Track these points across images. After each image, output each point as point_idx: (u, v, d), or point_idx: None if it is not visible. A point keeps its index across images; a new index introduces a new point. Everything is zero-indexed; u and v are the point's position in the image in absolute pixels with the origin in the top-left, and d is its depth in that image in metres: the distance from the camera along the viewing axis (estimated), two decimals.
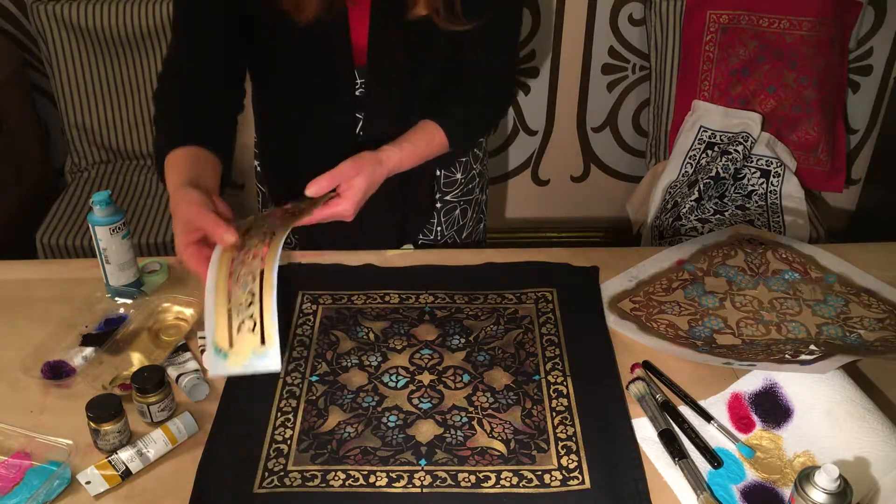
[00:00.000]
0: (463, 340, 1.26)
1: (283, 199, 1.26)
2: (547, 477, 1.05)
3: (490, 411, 1.14)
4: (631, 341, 1.27)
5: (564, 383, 1.19)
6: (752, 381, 1.15)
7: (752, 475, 1.06)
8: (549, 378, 1.20)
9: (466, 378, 1.20)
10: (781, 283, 1.39)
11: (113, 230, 1.29)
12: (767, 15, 2.36)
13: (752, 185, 2.40)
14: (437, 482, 1.04)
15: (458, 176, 1.52)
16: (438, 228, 1.55)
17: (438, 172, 1.50)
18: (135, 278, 1.35)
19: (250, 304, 0.98)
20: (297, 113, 1.39)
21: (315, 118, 1.38)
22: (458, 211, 1.56)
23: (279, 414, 1.14)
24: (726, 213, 2.33)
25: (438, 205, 1.53)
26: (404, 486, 1.04)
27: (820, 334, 1.27)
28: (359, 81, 1.33)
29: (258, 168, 1.59)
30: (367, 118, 1.36)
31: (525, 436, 1.11)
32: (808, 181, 2.49)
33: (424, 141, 1.32)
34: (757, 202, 2.37)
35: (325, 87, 1.34)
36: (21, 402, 1.16)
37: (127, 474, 1.04)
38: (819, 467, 0.92)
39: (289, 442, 1.10)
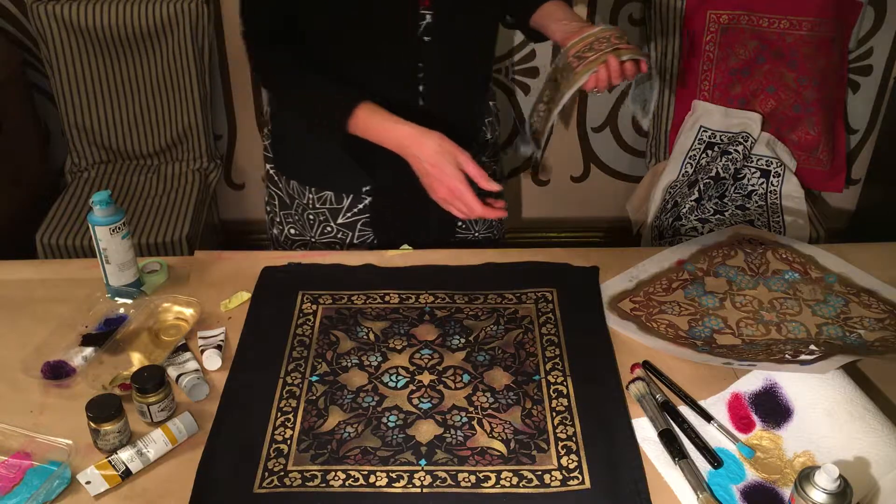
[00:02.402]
0: (463, 340, 1.26)
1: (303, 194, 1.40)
2: (547, 477, 1.05)
3: (490, 411, 1.14)
4: (631, 341, 1.27)
5: (564, 383, 1.19)
6: (752, 381, 1.15)
7: (752, 475, 1.06)
8: (549, 378, 1.20)
9: (466, 378, 1.20)
10: (781, 283, 1.39)
11: (113, 230, 1.29)
12: (767, 15, 2.36)
13: (752, 185, 2.40)
14: (437, 482, 1.04)
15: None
16: None
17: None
18: (135, 278, 1.35)
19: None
20: (356, 66, 1.36)
21: (374, 71, 1.37)
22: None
23: (279, 414, 1.14)
24: (726, 213, 2.33)
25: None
26: (404, 486, 1.04)
27: (820, 334, 1.27)
28: (422, 24, 1.32)
29: (271, 170, 1.56)
30: (428, 66, 1.36)
31: (525, 436, 1.11)
32: (808, 181, 2.49)
33: (570, 9, 1.43)
34: (757, 202, 2.37)
35: (387, 33, 1.33)
36: (21, 402, 1.16)
37: (127, 474, 1.04)
38: (819, 467, 0.92)
39: (289, 442, 1.10)
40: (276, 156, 1.54)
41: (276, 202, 1.58)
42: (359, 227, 1.52)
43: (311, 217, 1.53)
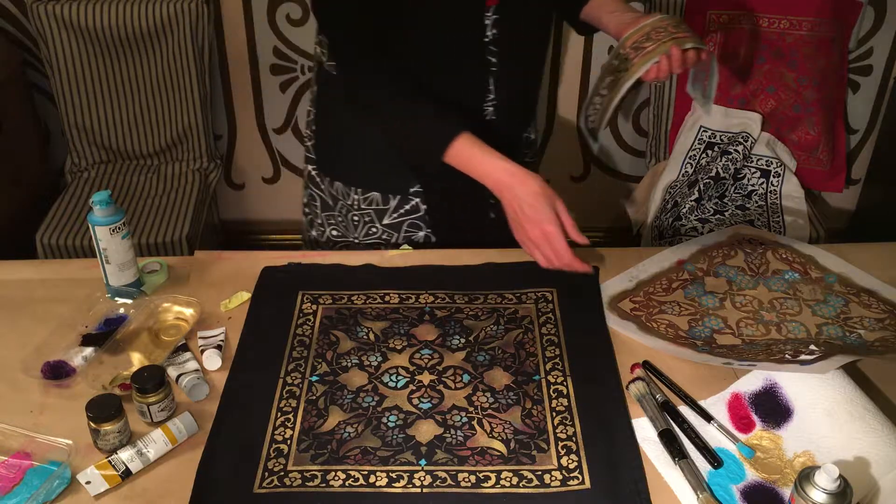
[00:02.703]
0: (463, 340, 1.26)
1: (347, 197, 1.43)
2: (547, 477, 1.05)
3: (490, 411, 1.14)
4: (631, 341, 1.27)
5: (564, 383, 1.19)
6: (752, 380, 1.15)
7: (752, 475, 1.06)
8: (549, 378, 1.20)
9: (466, 378, 1.20)
10: (781, 283, 1.39)
11: (113, 230, 1.29)
12: (767, 15, 2.36)
13: (752, 185, 2.40)
14: (437, 482, 1.04)
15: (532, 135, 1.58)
16: None
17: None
18: (135, 278, 1.35)
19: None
20: (425, 65, 1.34)
21: (442, 70, 1.35)
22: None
23: (279, 414, 1.14)
24: (726, 213, 2.33)
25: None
26: (404, 486, 1.04)
27: (820, 334, 1.27)
28: (488, 22, 1.31)
29: (312, 171, 1.53)
30: (501, 67, 1.35)
31: (525, 436, 1.11)
32: (808, 181, 2.49)
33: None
34: (757, 202, 2.37)
35: (453, 33, 1.32)
36: (21, 402, 1.16)
37: (127, 474, 1.04)
38: (819, 467, 0.92)
39: (289, 442, 1.10)
40: (319, 157, 1.51)
41: (318, 204, 1.55)
42: (405, 227, 1.50)
43: (355, 218, 1.51)
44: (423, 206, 1.48)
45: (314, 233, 1.59)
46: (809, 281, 1.39)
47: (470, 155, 1.26)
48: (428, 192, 1.47)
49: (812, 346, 1.19)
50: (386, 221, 1.50)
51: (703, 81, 1.40)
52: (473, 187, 1.29)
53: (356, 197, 1.49)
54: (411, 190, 1.47)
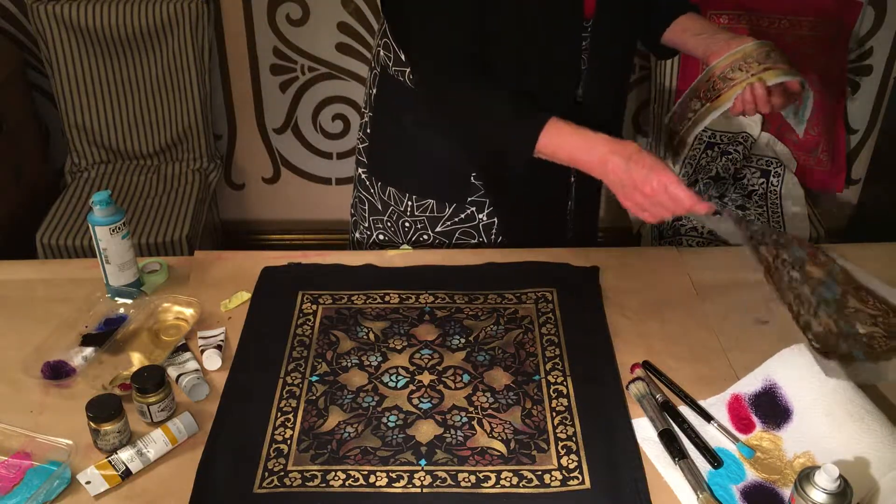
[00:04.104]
0: (463, 340, 1.26)
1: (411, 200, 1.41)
2: (547, 477, 1.05)
3: (490, 411, 1.14)
4: (631, 341, 1.27)
5: (564, 383, 1.19)
6: (752, 381, 1.15)
7: (752, 475, 1.06)
8: (549, 378, 1.20)
9: (466, 378, 1.20)
10: (790, 255, 1.37)
11: (113, 230, 1.29)
12: (767, 15, 2.36)
13: (752, 185, 2.40)
14: (437, 482, 1.04)
15: None
16: None
17: None
18: (135, 278, 1.35)
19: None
20: (516, 73, 1.31)
21: (534, 77, 1.32)
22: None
23: (279, 414, 1.14)
24: None
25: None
26: (404, 486, 1.04)
27: (818, 308, 1.25)
28: (586, 34, 1.31)
29: (363, 174, 1.52)
30: (590, 74, 1.34)
31: (525, 436, 1.11)
32: (808, 181, 2.49)
33: (707, 21, 1.38)
34: (757, 202, 2.37)
35: (549, 46, 1.29)
36: (21, 402, 1.16)
37: (127, 474, 1.04)
38: (819, 467, 0.92)
39: (289, 442, 1.10)
40: (372, 162, 1.49)
41: (366, 207, 1.53)
42: (457, 234, 1.49)
43: (406, 224, 1.49)
44: (480, 216, 1.47)
45: (357, 235, 1.58)
46: (816, 262, 1.38)
47: (561, 139, 1.20)
48: (498, 206, 1.45)
49: (815, 343, 1.17)
50: (439, 229, 1.48)
51: (795, 104, 1.33)
52: (542, 197, 1.25)
53: (410, 203, 1.46)
54: (469, 199, 1.45)
